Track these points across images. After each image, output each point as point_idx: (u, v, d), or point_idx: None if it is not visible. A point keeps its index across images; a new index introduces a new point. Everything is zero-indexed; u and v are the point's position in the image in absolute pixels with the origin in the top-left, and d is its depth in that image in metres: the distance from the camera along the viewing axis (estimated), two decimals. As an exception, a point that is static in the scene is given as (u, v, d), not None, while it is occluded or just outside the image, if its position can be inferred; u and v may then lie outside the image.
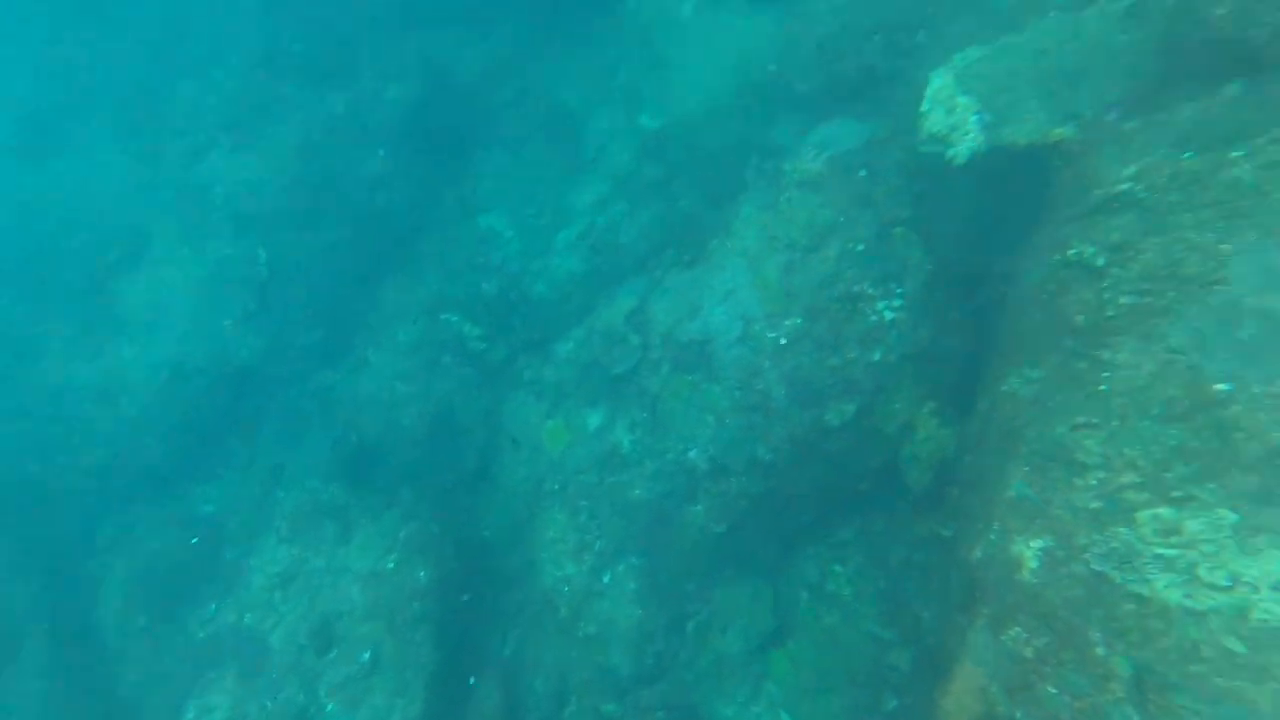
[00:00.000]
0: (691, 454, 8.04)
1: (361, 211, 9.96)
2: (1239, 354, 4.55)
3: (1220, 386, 4.55)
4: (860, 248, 7.72)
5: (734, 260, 8.26)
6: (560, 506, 8.70)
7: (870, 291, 7.65)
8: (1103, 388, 5.03)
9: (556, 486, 8.81)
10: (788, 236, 8.00)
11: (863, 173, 7.87)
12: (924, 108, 7.39)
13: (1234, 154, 5.08)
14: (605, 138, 10.71)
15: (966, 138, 7.19)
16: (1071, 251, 5.58)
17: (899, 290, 7.57)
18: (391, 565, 8.36)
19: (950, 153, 7.19)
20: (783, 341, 7.79)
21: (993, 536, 5.13)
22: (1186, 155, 5.33)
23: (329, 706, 7.91)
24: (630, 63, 10.78)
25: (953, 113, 7.26)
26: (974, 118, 7.11)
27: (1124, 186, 5.55)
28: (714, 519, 7.93)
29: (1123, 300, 5.20)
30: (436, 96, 10.61)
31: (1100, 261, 5.42)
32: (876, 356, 7.54)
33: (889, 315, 7.54)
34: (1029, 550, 4.85)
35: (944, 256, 7.38)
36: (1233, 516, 4.08)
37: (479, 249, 10.43)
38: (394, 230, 10.16)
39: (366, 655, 8.05)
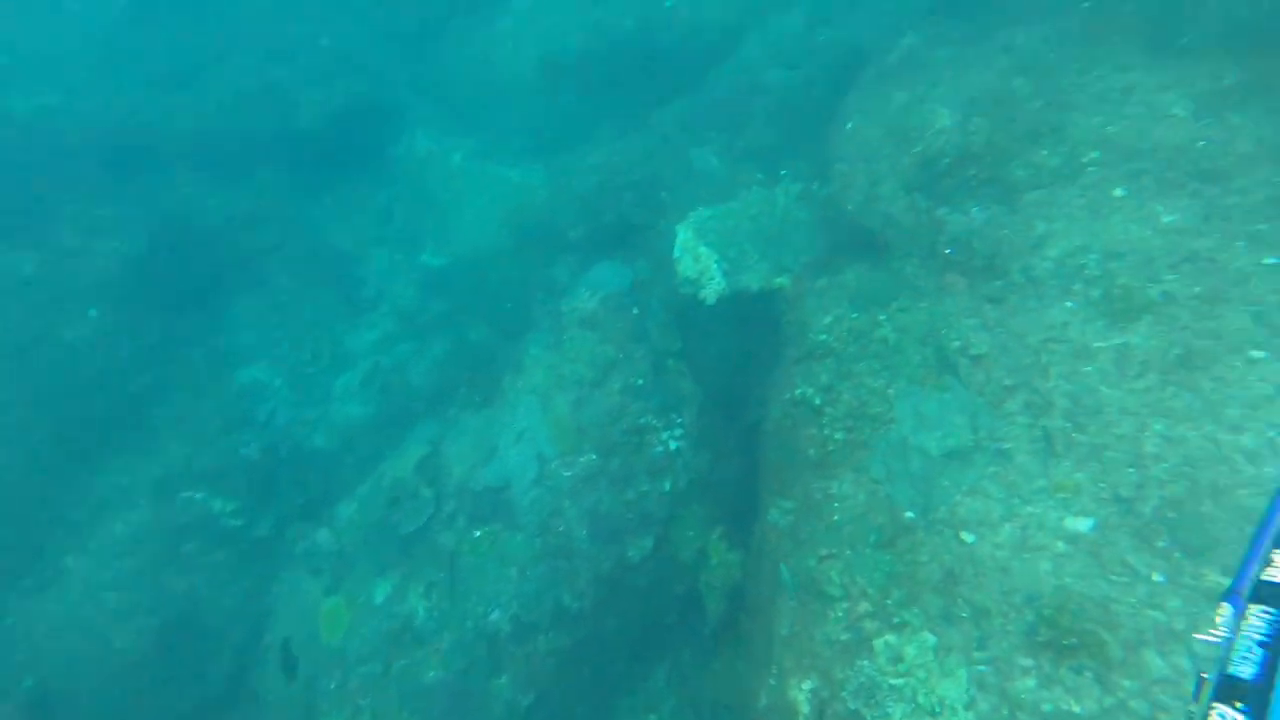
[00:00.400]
0: (494, 616, 5.36)
1: (67, 384, 6.12)
2: (914, 485, 3.99)
3: (909, 514, 3.95)
4: (640, 381, 6.04)
5: (526, 398, 6.09)
6: (337, 712, 5.25)
7: (654, 423, 5.89)
8: (835, 518, 4.20)
9: (333, 685, 5.36)
10: (574, 373, 6.09)
11: (635, 310, 6.40)
12: (676, 254, 6.36)
13: (880, 316, 4.78)
14: (386, 277, 7.85)
15: (713, 282, 6.16)
16: (797, 391, 4.81)
17: (679, 420, 5.95)
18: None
19: (702, 294, 6.20)
20: (580, 479, 5.68)
21: (772, 681, 4.03)
22: (854, 315, 4.92)
23: None
24: (405, 206, 8.05)
25: (698, 260, 6.25)
26: (715, 265, 6.16)
27: (821, 338, 4.96)
28: (521, 689, 5.27)
29: (838, 436, 4.47)
30: (172, 247, 7.10)
31: (818, 401, 4.68)
32: (667, 486, 5.71)
33: (673, 445, 5.84)
34: (801, 694, 3.82)
35: (712, 386, 6.17)
36: (932, 639, 3.52)
37: (238, 406, 6.88)
38: (117, 400, 6.41)
39: None
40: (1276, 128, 4.21)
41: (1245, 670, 1.21)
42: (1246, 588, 1.34)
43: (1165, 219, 4.30)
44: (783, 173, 6.68)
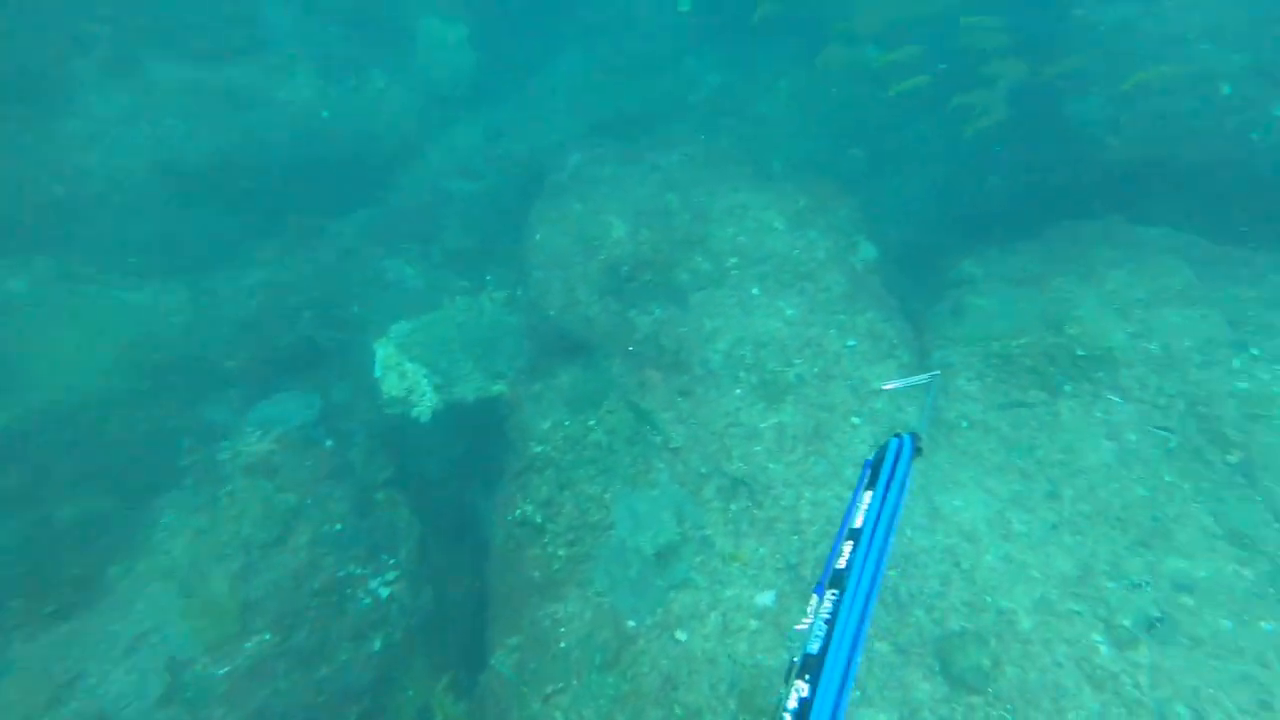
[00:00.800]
0: None
1: None
2: (634, 590, 4.15)
3: (630, 623, 4.07)
4: (339, 527, 5.27)
5: (152, 587, 4.77)
6: None
7: (359, 572, 5.18)
8: (562, 645, 4.15)
9: None
10: (238, 536, 5.00)
11: (329, 443, 5.65)
12: (378, 373, 6.05)
13: (590, 421, 5.07)
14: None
15: (425, 398, 5.99)
16: (518, 511, 4.80)
17: (392, 560, 5.33)
18: None
19: (414, 412, 5.96)
20: (244, 672, 4.59)
21: None
22: (567, 422, 5.13)
23: None
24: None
25: (405, 377, 6.04)
26: (425, 380, 6.02)
27: (538, 449, 5.04)
28: None
29: (561, 552, 4.51)
30: None
31: (539, 519, 4.71)
32: (377, 645, 5.03)
33: (385, 592, 5.20)
34: None
35: (434, 511, 5.73)
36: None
37: None
38: None
39: None
40: (836, 240, 5.81)
41: (815, 646, 1.43)
42: (827, 579, 1.59)
43: (788, 312, 5.51)
44: (488, 278, 6.84)
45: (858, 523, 1.67)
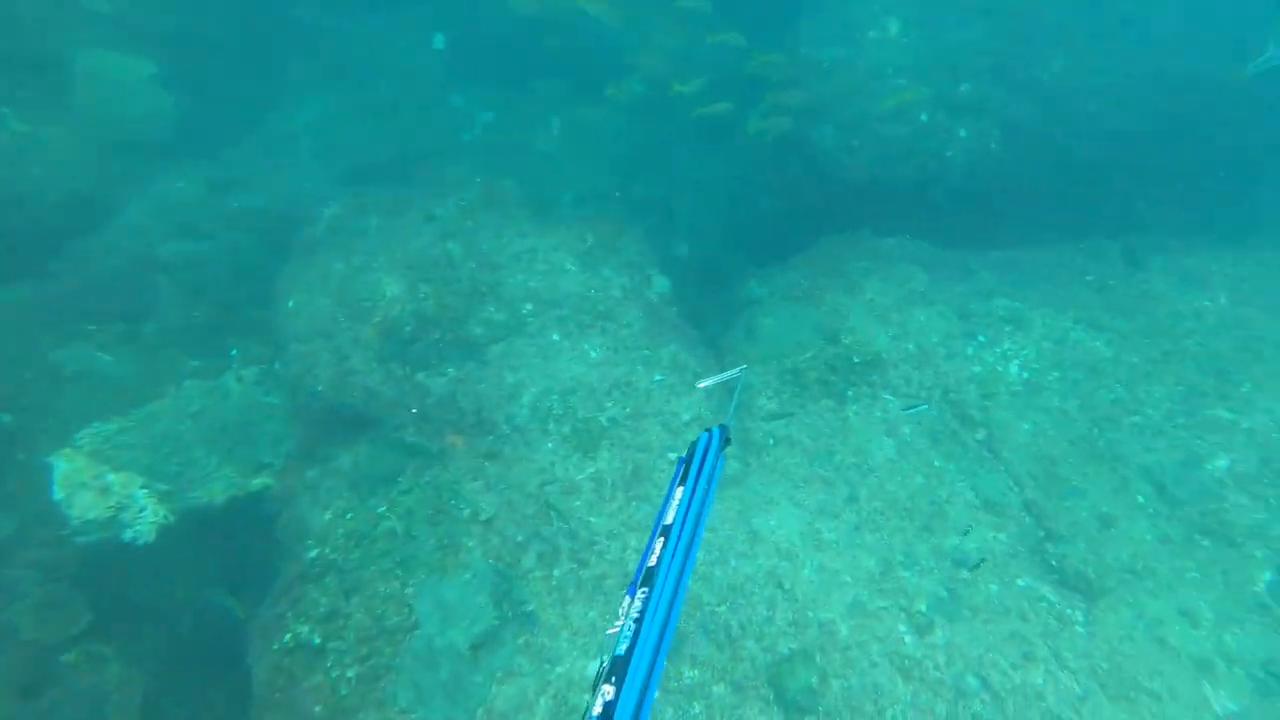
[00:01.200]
0: None
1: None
2: (448, 696, 3.77)
3: None
4: None
5: None
6: None
7: None
8: None
9: None
10: None
11: None
12: (58, 496, 4.90)
13: (380, 509, 4.59)
14: None
15: (143, 514, 4.94)
16: (288, 636, 4.13)
17: None
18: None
19: (129, 534, 4.88)
20: None
21: None
22: (349, 514, 4.60)
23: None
24: None
25: (107, 494, 4.93)
26: (141, 491, 4.99)
27: (313, 554, 4.44)
28: None
29: (350, 673, 3.95)
30: None
31: (317, 639, 4.09)
32: None
33: None
34: None
35: (169, 655, 4.70)
36: None
37: None
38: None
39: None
40: (630, 276, 6.00)
41: (622, 648, 1.41)
42: (639, 578, 1.57)
43: (592, 354, 5.51)
44: (233, 353, 5.93)
45: (669, 519, 1.69)
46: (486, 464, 4.95)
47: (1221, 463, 4.77)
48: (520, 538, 4.52)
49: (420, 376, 5.40)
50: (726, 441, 1.95)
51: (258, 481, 5.30)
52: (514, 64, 8.54)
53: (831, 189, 7.72)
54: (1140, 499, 4.70)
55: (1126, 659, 3.84)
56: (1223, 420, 5.01)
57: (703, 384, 2.69)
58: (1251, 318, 5.66)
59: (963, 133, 7.56)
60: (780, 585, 4.18)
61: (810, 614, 4.03)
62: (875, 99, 7.44)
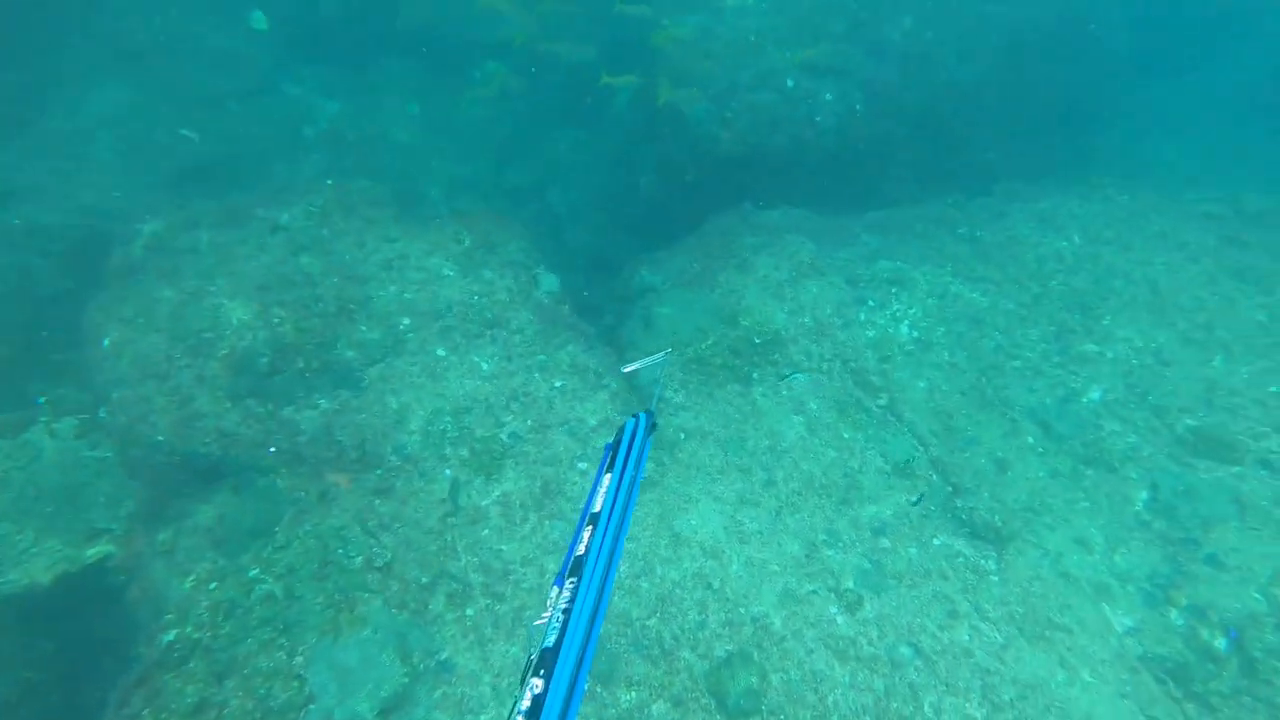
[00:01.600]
0: None
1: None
2: None
3: None
4: None
5: None
6: None
7: None
8: None
9: None
10: None
11: None
12: None
13: (252, 572, 3.99)
14: None
15: None
16: None
17: None
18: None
19: None
20: None
21: None
22: (213, 584, 3.99)
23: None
24: None
25: None
26: None
27: (171, 635, 3.81)
28: None
29: None
30: None
31: None
32: None
33: None
34: None
35: None
36: None
37: None
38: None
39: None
40: (515, 277, 5.56)
41: (551, 640, 1.37)
42: (567, 568, 1.54)
43: (484, 366, 5.05)
44: (40, 401, 4.95)
45: (597, 507, 1.68)
46: (377, 502, 4.42)
47: (1094, 394, 5.15)
48: (425, 579, 4.07)
49: (287, 412, 4.72)
50: (653, 427, 1.97)
51: (94, 551, 4.52)
52: (357, 43, 7.64)
53: (709, 163, 7.59)
54: (1030, 439, 4.98)
55: (1038, 599, 4.05)
56: (1090, 354, 5.41)
57: (628, 368, 2.60)
58: (1102, 254, 6.14)
59: (828, 96, 7.63)
60: (709, 586, 4.04)
61: (743, 610, 3.93)
62: (743, 68, 7.34)
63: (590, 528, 1.63)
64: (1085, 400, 5.11)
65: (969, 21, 8.09)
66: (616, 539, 1.61)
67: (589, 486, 4.61)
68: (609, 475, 1.77)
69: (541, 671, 1.32)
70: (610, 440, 1.89)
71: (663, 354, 2.56)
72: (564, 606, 1.43)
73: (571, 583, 1.49)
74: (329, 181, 5.65)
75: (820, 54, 7.29)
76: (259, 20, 6.99)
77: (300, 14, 8.04)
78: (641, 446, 1.86)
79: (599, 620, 1.45)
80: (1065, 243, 6.33)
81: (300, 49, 7.87)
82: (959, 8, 8.12)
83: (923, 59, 7.98)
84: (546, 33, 6.53)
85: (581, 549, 1.58)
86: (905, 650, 3.77)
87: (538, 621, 1.45)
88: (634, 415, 1.94)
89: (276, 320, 4.94)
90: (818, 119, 7.60)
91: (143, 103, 7.10)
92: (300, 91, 7.46)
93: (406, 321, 5.17)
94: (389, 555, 4.18)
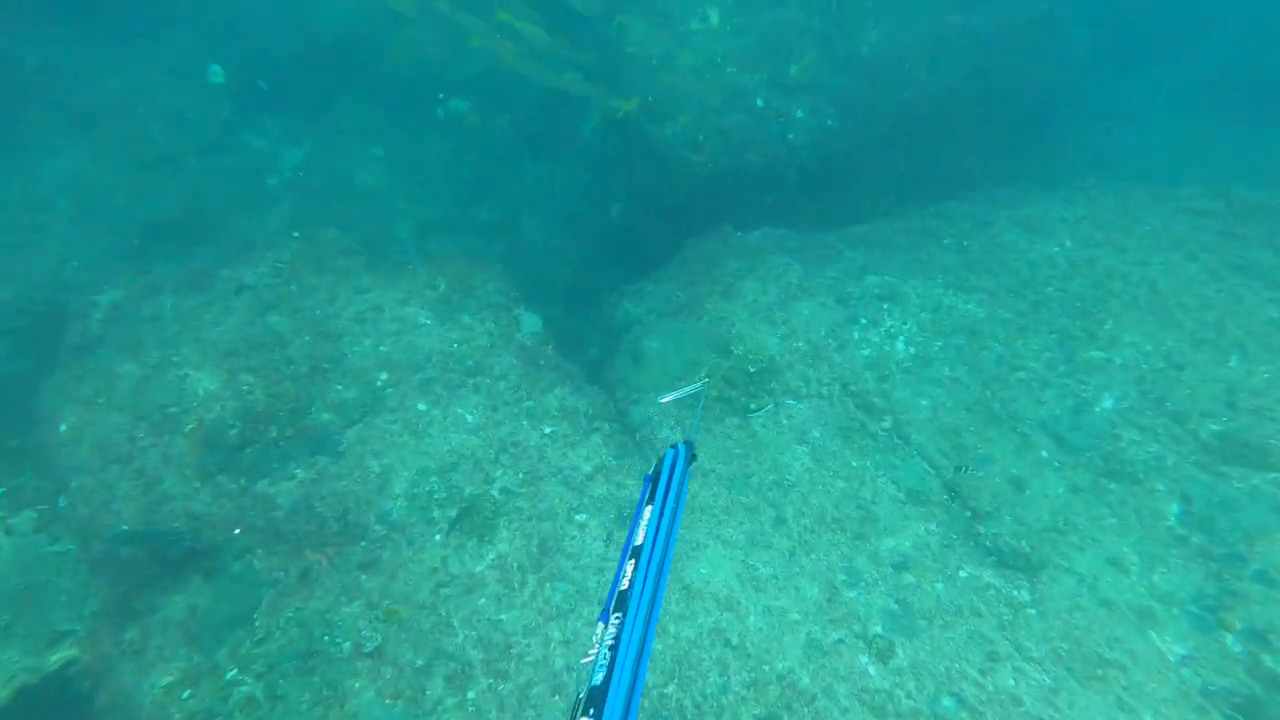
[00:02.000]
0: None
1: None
2: None
3: None
4: None
5: None
6: None
7: None
8: None
9: None
10: None
11: None
12: None
13: (229, 673, 3.68)
14: None
15: None
16: None
17: None
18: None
19: None
20: None
21: None
22: (186, 694, 3.64)
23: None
24: None
25: None
26: None
27: None
28: None
29: None
30: None
31: None
32: None
33: None
34: None
35: None
36: None
37: None
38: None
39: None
40: (495, 320, 5.29)
41: (599, 677, 1.35)
42: (611, 603, 1.52)
43: (468, 419, 4.74)
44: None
45: (639, 540, 1.68)
46: (363, 577, 4.06)
47: (1108, 403, 4.95)
48: (420, 662, 3.72)
49: (261, 486, 4.37)
50: (692, 457, 1.95)
51: (57, 657, 4.08)
52: (317, 89, 7.40)
53: (684, 188, 7.41)
54: (1044, 453, 4.75)
55: (1082, 632, 3.78)
56: (1097, 360, 5.22)
57: (665, 399, 2.50)
58: (1096, 256, 6.00)
59: (799, 113, 7.50)
60: (728, 642, 3.72)
61: (766, 668, 3.61)
62: (711, 91, 7.20)
63: (633, 561, 1.63)
64: (1098, 410, 4.90)
65: (933, 30, 8.06)
66: (660, 572, 1.62)
67: (589, 539, 4.32)
68: (649, 508, 1.76)
69: (591, 711, 1.31)
70: (650, 472, 1.88)
71: (700, 384, 2.55)
72: (610, 643, 1.43)
73: (617, 618, 1.48)
74: (295, 234, 5.35)
75: (790, 73, 7.17)
76: (217, 74, 6.73)
77: (258, 62, 7.80)
78: (682, 478, 1.86)
79: (646, 655, 1.44)
80: (1056, 248, 6.18)
81: (260, 98, 7.61)
82: (922, 18, 8.09)
83: (892, 71, 7.91)
84: (520, 55, 6.37)
85: (625, 584, 1.57)
86: (948, 702, 3.47)
87: (584, 659, 1.45)
88: (673, 446, 1.94)
89: (246, 387, 4.61)
90: (790, 137, 7.46)
91: (101, 166, 6.78)
92: (263, 141, 7.19)
93: (384, 376, 4.86)
94: (379, 638, 3.81)
